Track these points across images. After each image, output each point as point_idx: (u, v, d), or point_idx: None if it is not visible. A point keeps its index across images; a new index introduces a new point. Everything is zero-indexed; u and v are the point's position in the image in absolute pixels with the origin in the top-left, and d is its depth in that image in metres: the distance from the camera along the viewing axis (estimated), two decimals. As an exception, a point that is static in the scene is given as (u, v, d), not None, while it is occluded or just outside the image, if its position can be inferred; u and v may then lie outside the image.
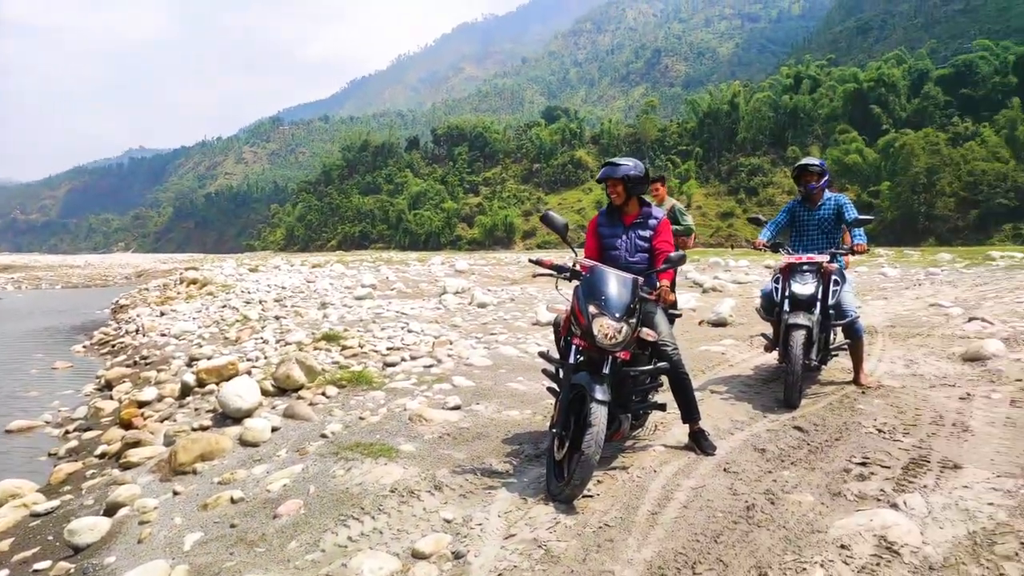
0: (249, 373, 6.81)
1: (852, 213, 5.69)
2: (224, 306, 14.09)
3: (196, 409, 6.03)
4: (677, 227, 6.70)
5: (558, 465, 3.63)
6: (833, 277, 5.56)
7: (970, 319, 8.82)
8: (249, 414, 5.41)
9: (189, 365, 8.02)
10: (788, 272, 5.55)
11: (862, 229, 5.71)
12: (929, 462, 3.96)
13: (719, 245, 60.44)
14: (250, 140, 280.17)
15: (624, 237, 4.33)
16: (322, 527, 3.39)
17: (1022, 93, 62.82)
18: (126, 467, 4.94)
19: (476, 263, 27.68)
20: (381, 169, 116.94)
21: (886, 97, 72.23)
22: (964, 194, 56.04)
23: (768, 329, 6.23)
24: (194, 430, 5.36)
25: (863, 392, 5.65)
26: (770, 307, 5.80)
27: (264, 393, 5.96)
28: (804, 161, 5.86)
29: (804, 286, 5.40)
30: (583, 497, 3.55)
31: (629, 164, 4.24)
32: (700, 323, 10.04)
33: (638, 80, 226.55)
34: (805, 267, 5.49)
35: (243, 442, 4.91)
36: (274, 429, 5.12)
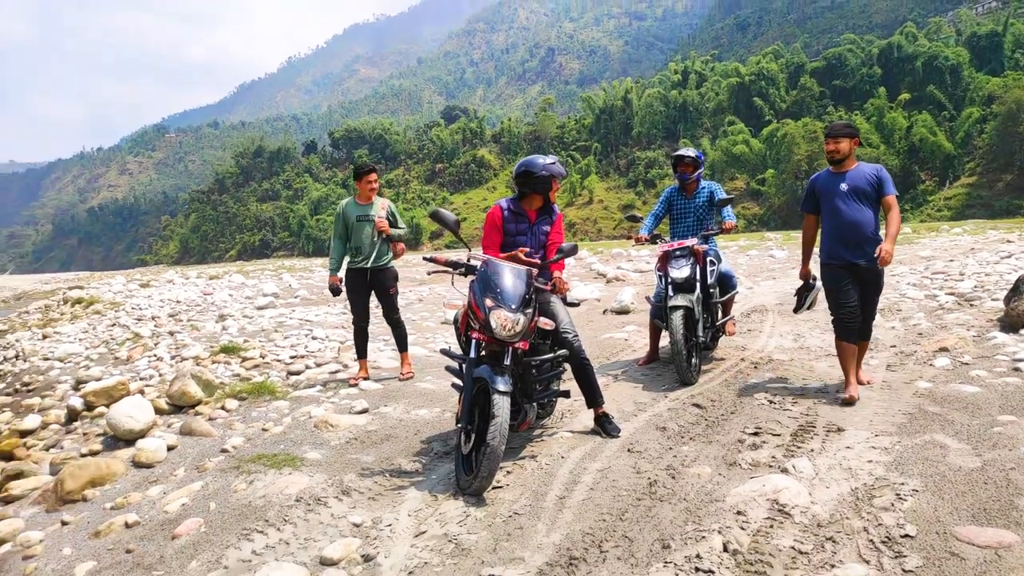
0: (142, 392, 6.45)
1: (720, 195, 6.12)
2: (113, 325, 13.30)
3: (85, 434, 5.66)
4: (396, 229, 6.30)
5: (466, 459, 3.65)
6: (708, 258, 5.90)
7: (849, 293, 9.42)
8: (142, 434, 5.13)
9: (76, 389, 7.52)
10: (665, 260, 5.84)
11: (729, 208, 6.09)
12: (815, 427, 4.22)
13: (623, 237, 62.08)
14: (134, 150, 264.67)
15: (531, 233, 4.42)
16: (224, 543, 3.27)
17: (887, 83, 67.77)
18: (8, 501, 4.58)
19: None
20: (278, 175, 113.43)
21: (766, 90, 76.16)
22: (842, 178, 59.87)
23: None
24: (83, 456, 5.03)
25: (755, 366, 5.96)
26: (659, 313, 6.03)
27: (159, 411, 5.67)
28: (680, 152, 6.21)
29: (679, 270, 5.72)
30: (493, 488, 3.58)
31: (557, 160, 4.36)
32: (604, 312, 10.29)
33: (534, 78, 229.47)
34: (678, 252, 5.80)
35: (137, 464, 4.66)
36: (170, 448, 4.88)
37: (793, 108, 72.89)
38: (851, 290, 4.78)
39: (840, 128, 4.86)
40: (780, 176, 61.43)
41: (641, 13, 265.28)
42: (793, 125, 65.00)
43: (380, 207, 6.28)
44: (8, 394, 8.55)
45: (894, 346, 6.28)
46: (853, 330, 4.79)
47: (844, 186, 4.80)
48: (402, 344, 6.51)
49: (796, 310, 5.47)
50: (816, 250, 5.12)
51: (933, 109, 62.80)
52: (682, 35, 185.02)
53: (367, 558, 2.98)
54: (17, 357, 11.10)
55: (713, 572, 2.64)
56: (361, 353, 6.46)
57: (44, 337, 12.94)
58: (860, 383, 4.99)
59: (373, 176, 6.27)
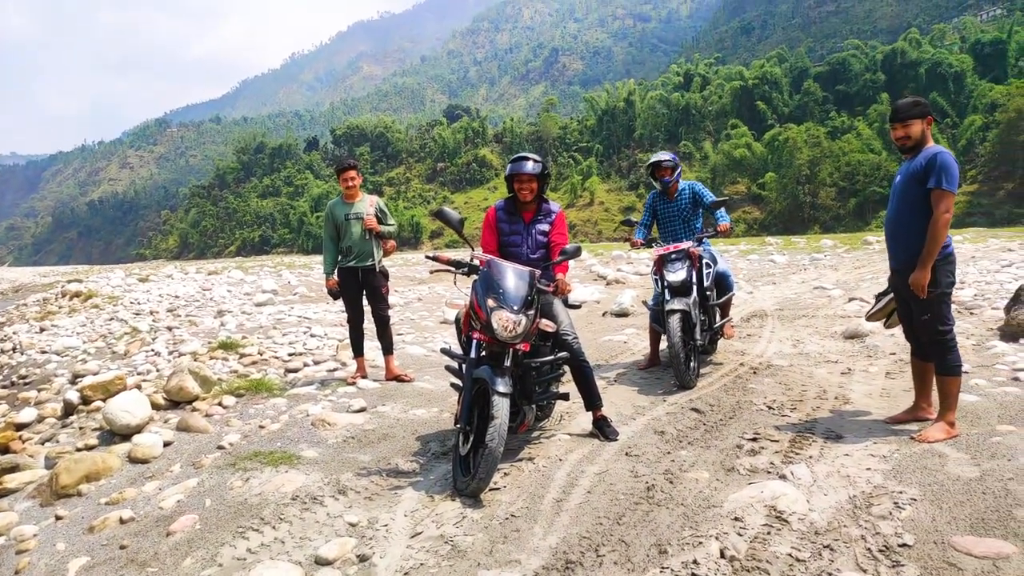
0: (139, 387, 6.44)
1: (709, 197, 6.14)
2: (111, 319, 13.27)
3: (81, 428, 5.65)
4: (386, 227, 6.23)
5: (464, 460, 3.63)
6: (704, 260, 5.91)
7: (850, 299, 9.42)
8: (139, 430, 5.11)
9: (73, 382, 7.50)
10: (660, 264, 5.86)
11: (723, 209, 6.08)
12: (814, 434, 4.20)
13: (623, 240, 61.90)
14: (135, 143, 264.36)
15: (525, 234, 4.38)
16: (219, 541, 3.25)
17: (890, 89, 67.80)
18: (2, 494, 4.57)
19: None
20: (279, 171, 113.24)
21: (770, 94, 76.14)
22: (843, 184, 59.81)
23: None
24: (78, 450, 5.01)
25: (754, 372, 5.95)
26: (658, 317, 6.03)
27: (155, 407, 5.66)
28: (656, 157, 6.23)
29: (675, 274, 5.74)
30: (490, 490, 3.56)
31: (538, 159, 4.31)
32: (604, 314, 10.27)
33: (537, 78, 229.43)
34: (673, 256, 5.81)
35: (133, 459, 4.64)
36: (167, 444, 4.86)
37: (796, 112, 72.90)
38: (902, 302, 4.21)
39: (907, 108, 4.07)
40: (781, 180, 61.40)
41: (645, 15, 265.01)
42: (796, 130, 64.98)
43: (368, 204, 6.16)
44: (5, 387, 8.53)
45: (893, 353, 6.26)
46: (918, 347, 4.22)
47: (898, 177, 4.14)
48: (387, 347, 6.31)
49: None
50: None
51: (936, 116, 62.73)
52: (686, 38, 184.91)
53: (363, 558, 2.96)
54: (14, 350, 11.08)
55: (710, 579, 2.62)
56: (357, 351, 6.39)
57: (42, 330, 12.90)
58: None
59: (350, 173, 6.08)
